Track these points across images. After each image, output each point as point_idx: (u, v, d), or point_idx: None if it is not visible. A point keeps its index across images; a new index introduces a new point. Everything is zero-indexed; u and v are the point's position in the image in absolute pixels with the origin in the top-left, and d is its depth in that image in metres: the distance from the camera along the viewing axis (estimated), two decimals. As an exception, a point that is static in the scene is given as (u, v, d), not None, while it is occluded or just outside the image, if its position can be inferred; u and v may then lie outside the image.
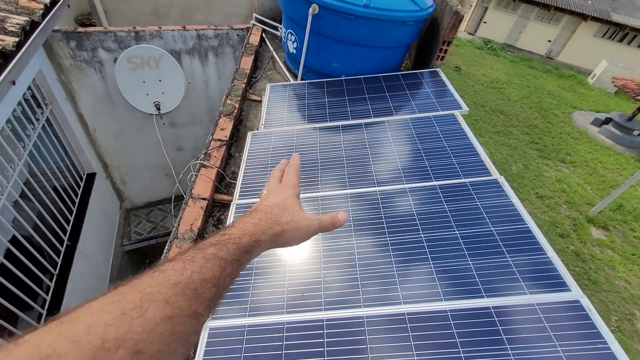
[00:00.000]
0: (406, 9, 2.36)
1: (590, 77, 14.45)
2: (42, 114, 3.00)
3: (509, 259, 1.31)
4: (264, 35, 3.36)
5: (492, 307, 1.18)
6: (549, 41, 16.11)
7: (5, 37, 1.85)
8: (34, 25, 2.05)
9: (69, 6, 2.67)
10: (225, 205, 1.83)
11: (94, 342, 0.24)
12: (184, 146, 4.46)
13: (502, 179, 1.63)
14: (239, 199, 1.73)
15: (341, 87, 2.55)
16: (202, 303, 0.34)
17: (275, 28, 3.31)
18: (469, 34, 17.05)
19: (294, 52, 2.77)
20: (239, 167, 2.04)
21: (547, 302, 1.16)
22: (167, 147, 4.14)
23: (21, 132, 2.68)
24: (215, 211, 1.82)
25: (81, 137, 3.57)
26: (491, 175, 1.67)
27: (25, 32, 1.97)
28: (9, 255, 2.49)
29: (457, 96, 2.28)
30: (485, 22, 16.49)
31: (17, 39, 1.85)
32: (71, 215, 3.40)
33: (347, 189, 1.74)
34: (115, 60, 3.18)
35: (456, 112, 2.13)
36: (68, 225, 3.31)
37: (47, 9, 2.23)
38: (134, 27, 3.17)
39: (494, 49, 15.61)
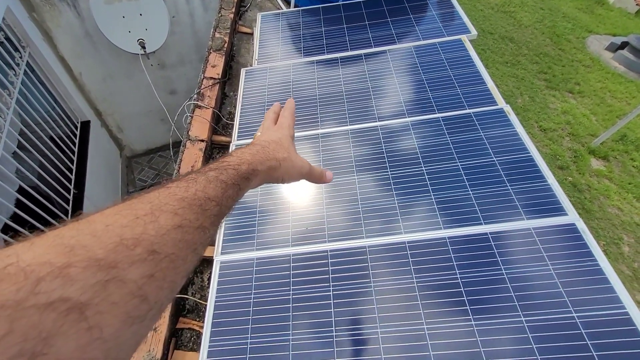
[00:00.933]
0: None
1: (612, -4, 13.14)
2: (20, 58, 2.81)
3: (509, 188, 1.32)
4: (250, -45, 2.97)
5: (490, 232, 1.22)
6: (572, -47, 14.30)
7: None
8: None
9: None
10: (224, 147, 1.81)
11: (112, 238, 0.26)
12: (176, 89, 4.27)
13: (507, 108, 1.58)
14: (237, 140, 1.70)
15: (339, 13, 2.33)
16: (207, 218, 0.35)
17: (263, -55, 2.91)
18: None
19: (285, -26, 2.48)
20: (234, 107, 1.97)
21: (544, 226, 1.20)
22: (159, 90, 3.96)
23: (3, 79, 2.55)
24: (215, 153, 1.80)
25: (67, 83, 3.40)
26: (497, 105, 1.61)
27: None
28: (19, 205, 2.56)
29: (465, 19, 2.09)
30: None
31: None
32: (73, 165, 3.41)
33: (347, 125, 1.69)
34: (88, -8, 2.87)
35: (463, 37, 1.97)
36: (72, 175, 3.34)
37: None
38: (102, -49, 2.80)
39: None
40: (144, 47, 3.16)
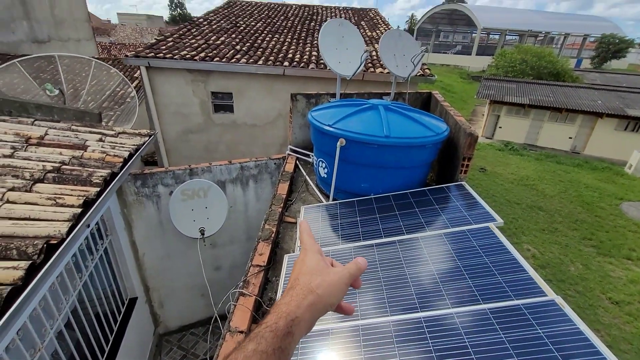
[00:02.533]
0: (423, 135, 2.66)
1: (627, 168, 14.04)
2: (102, 244, 3.34)
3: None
4: (297, 162, 3.81)
5: None
6: (570, 138, 16.50)
7: (90, 188, 2.26)
8: (113, 175, 2.51)
9: (142, 156, 3.28)
10: (262, 337, 1.77)
11: None
12: (221, 265, 4.58)
13: (560, 300, 1.49)
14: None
15: (371, 205, 2.69)
16: None
17: (307, 155, 3.76)
18: (486, 138, 18.05)
19: (325, 176, 3.06)
20: (276, 292, 2.04)
21: None
22: (206, 267, 4.27)
23: (82, 263, 2.95)
24: (252, 344, 1.74)
25: (130, 263, 3.82)
26: (546, 295, 1.54)
27: (106, 182, 2.41)
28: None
29: (488, 208, 2.31)
30: (500, 127, 17.56)
31: (98, 189, 2.25)
32: (108, 343, 3.35)
33: (388, 315, 1.64)
34: (171, 193, 3.66)
35: (491, 225, 2.11)
36: (105, 353, 3.23)
37: (125, 161, 2.76)
38: (189, 166, 3.75)
39: (515, 149, 16.14)
40: (203, 234, 3.67)
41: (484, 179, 12.05)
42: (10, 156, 2.35)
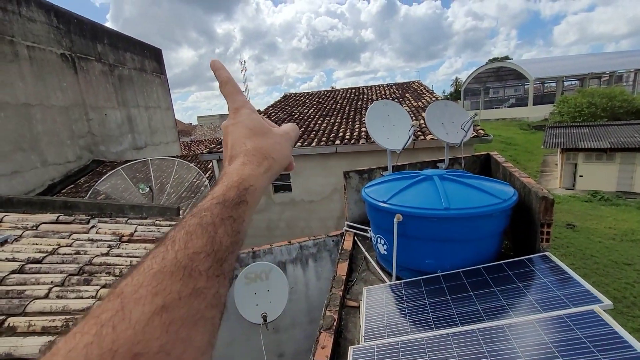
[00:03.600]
0: (487, 203, 2.47)
1: None
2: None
3: None
4: (355, 238, 3.74)
5: None
6: (678, 179, 13.88)
7: (166, 279, 2.46)
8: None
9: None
10: None
11: None
12: (285, 352, 4.35)
13: None
14: None
15: (440, 284, 2.44)
16: (200, 276, 0.30)
17: (365, 230, 3.69)
18: (566, 189, 16.05)
19: (385, 253, 2.93)
20: (342, 395, 1.83)
21: None
22: (268, 354, 4.09)
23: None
24: None
25: (198, 351, 3.84)
26: None
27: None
28: None
29: (587, 286, 1.93)
30: (581, 176, 15.62)
31: (173, 280, 2.43)
32: None
33: None
34: (236, 277, 3.79)
35: (596, 308, 1.73)
36: None
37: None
38: (252, 248, 3.92)
39: (607, 198, 13.96)
40: (265, 320, 3.62)
41: (575, 237, 10.36)
42: (107, 254, 2.72)
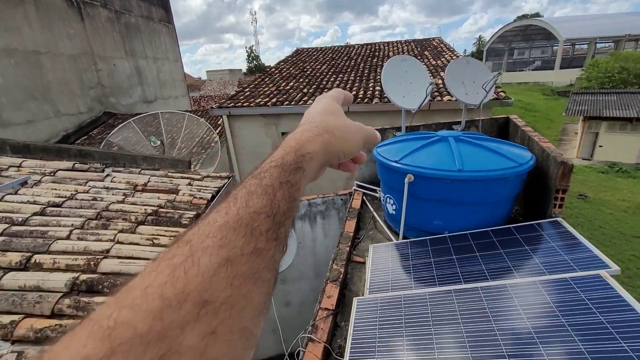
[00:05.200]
0: (503, 166, 2.41)
1: None
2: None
3: None
4: (364, 198, 3.76)
5: None
6: None
7: (180, 228, 2.55)
8: (198, 216, 2.80)
9: (222, 195, 3.62)
10: (333, 390, 1.67)
11: (153, 302, 0.23)
12: (291, 302, 4.62)
13: None
14: (347, 385, 1.57)
15: (446, 244, 2.47)
16: (260, 237, 0.30)
17: (374, 191, 3.70)
18: (584, 159, 15.60)
19: (394, 212, 2.95)
20: (345, 339, 1.95)
21: None
22: (276, 303, 4.35)
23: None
24: (322, 397, 1.66)
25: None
26: (701, 376, 1.16)
27: (193, 222, 2.69)
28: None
29: (596, 251, 1.92)
30: (601, 146, 15.07)
31: (186, 229, 2.52)
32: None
33: (476, 380, 1.42)
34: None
35: (602, 272, 1.74)
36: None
37: (208, 203, 3.07)
38: (261, 203, 4.00)
39: (625, 170, 13.56)
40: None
41: (586, 207, 10.25)
42: (122, 202, 2.81)
